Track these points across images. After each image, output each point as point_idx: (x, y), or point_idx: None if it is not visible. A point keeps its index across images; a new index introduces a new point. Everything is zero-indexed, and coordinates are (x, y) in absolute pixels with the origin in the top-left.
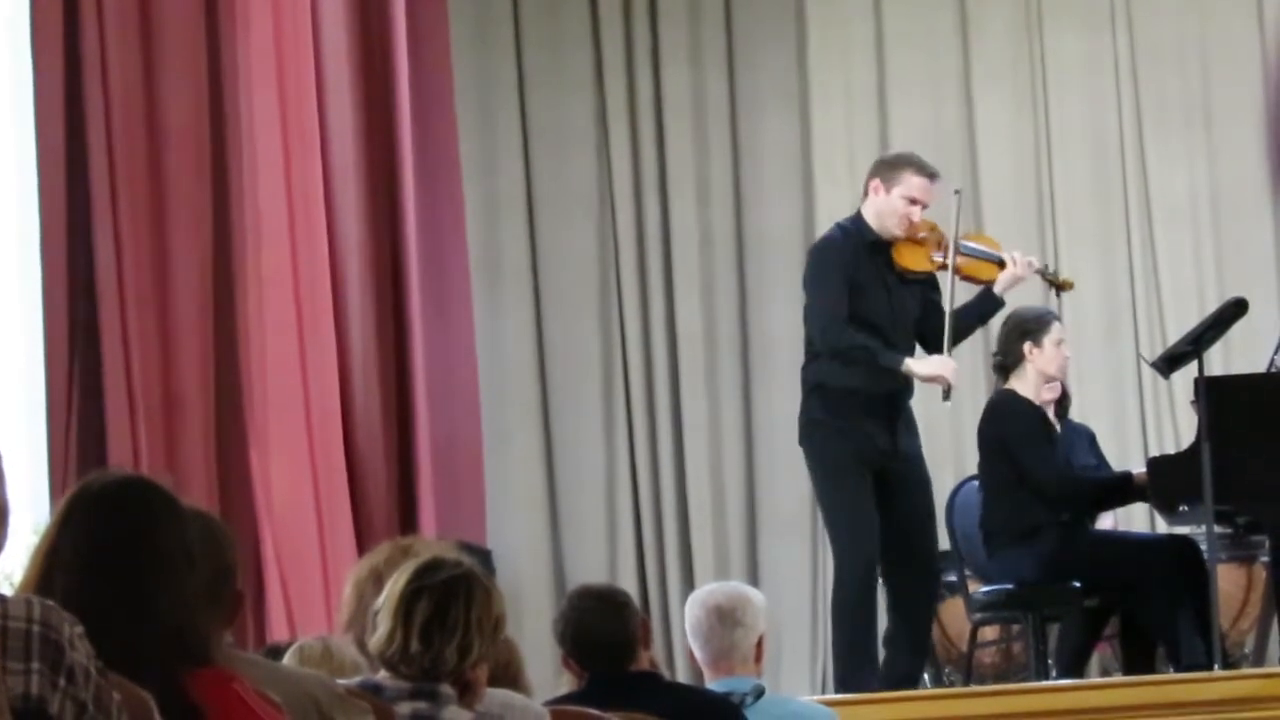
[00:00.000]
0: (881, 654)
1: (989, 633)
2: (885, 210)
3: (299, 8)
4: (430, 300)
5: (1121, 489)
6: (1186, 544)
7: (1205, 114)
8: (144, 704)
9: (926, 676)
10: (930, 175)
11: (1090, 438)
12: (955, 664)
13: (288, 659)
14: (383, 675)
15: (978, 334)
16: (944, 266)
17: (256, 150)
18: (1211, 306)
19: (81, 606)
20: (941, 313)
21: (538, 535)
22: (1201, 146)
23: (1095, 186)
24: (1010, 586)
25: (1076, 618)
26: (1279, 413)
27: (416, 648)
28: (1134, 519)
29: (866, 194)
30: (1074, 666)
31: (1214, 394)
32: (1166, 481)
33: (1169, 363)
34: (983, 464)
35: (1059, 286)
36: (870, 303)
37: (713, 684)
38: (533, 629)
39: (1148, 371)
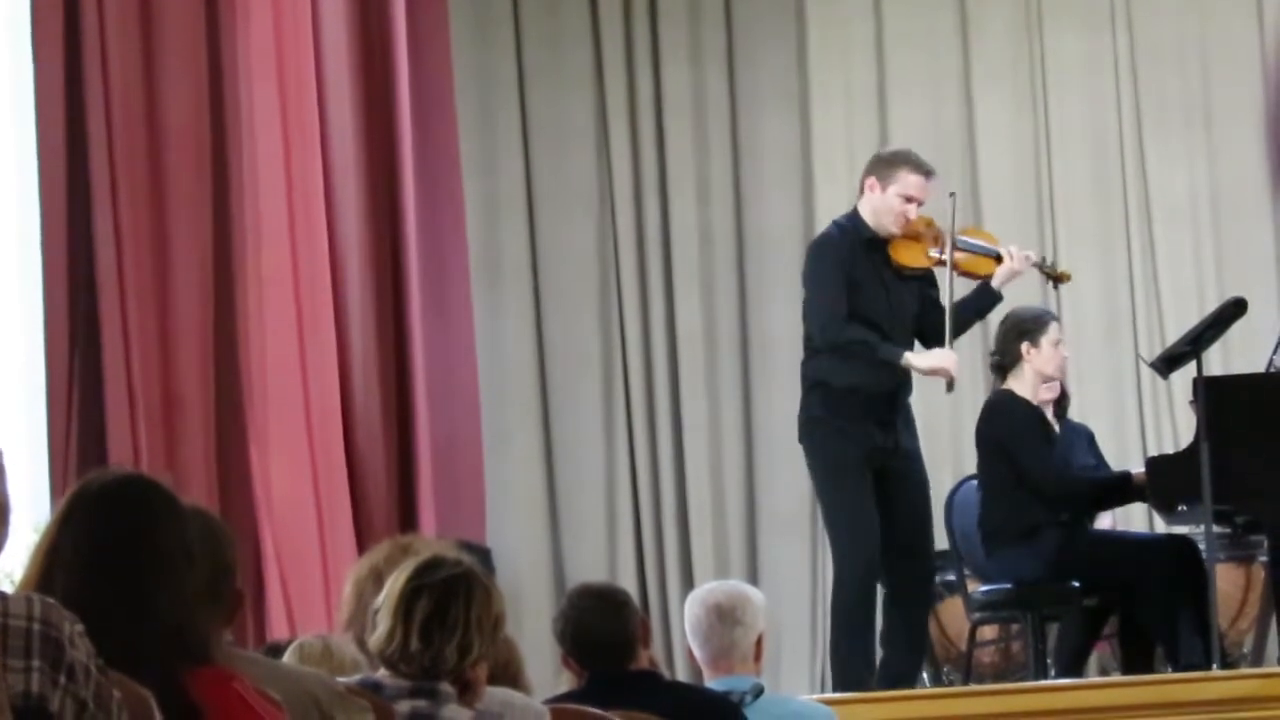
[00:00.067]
0: (878, 653)
1: (988, 632)
2: (881, 208)
3: (299, 5)
4: (430, 299)
5: (1120, 489)
6: (1185, 544)
7: (1205, 114)
8: (144, 702)
9: (925, 676)
10: (926, 172)
11: (1089, 437)
12: (954, 663)
13: (288, 657)
14: (382, 673)
15: (977, 333)
16: (941, 262)
17: (257, 148)
18: (1211, 306)
19: (82, 605)
20: (939, 309)
21: (537, 535)
22: (1201, 146)
23: (1095, 186)
24: (1009, 586)
25: (1075, 617)
26: (1278, 413)
27: (416, 646)
28: (1133, 519)
29: (862, 192)
30: (1073, 666)
31: (1213, 394)
32: (1165, 481)
33: (1168, 363)
34: (981, 464)
35: (1056, 278)
36: (868, 300)
37: (712, 683)
38: (532, 628)
39: (1147, 371)
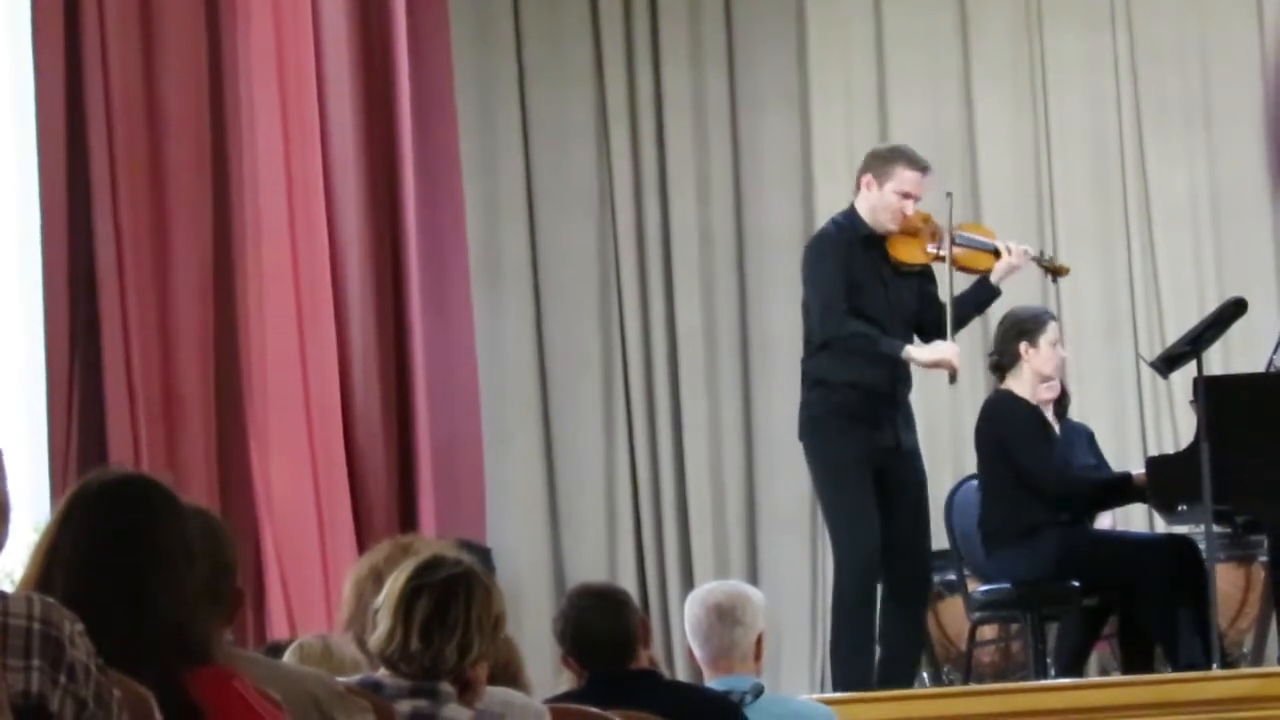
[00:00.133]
0: (876, 651)
1: (988, 632)
2: (878, 205)
3: (299, 4)
4: (430, 299)
5: (1121, 489)
6: (1185, 543)
7: (1205, 114)
8: (144, 701)
9: (925, 675)
10: (922, 169)
11: (1089, 437)
12: (954, 663)
13: (288, 657)
14: (383, 673)
15: (978, 333)
16: (940, 258)
17: (257, 148)
18: (1211, 306)
19: (81, 604)
20: (938, 304)
21: (537, 534)
22: (1201, 146)
23: (1095, 186)
24: (1009, 586)
25: (1075, 617)
26: (1278, 412)
27: (416, 646)
28: (1133, 519)
29: (859, 189)
30: (1073, 666)
31: (1213, 394)
32: (1165, 481)
33: (1168, 362)
34: (981, 464)
35: (1055, 272)
36: (867, 297)
37: (712, 682)
38: (532, 628)
39: (1147, 371)
